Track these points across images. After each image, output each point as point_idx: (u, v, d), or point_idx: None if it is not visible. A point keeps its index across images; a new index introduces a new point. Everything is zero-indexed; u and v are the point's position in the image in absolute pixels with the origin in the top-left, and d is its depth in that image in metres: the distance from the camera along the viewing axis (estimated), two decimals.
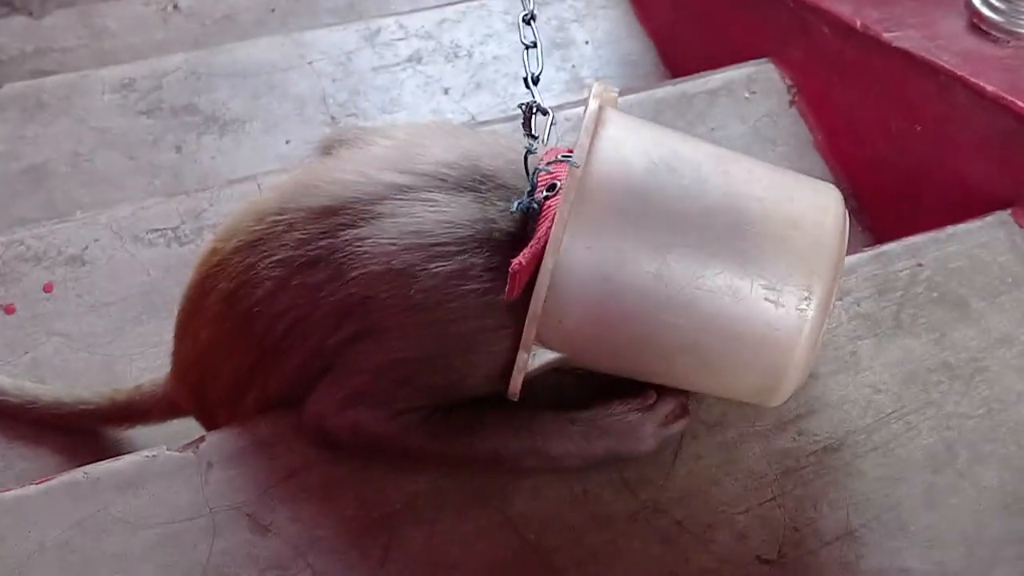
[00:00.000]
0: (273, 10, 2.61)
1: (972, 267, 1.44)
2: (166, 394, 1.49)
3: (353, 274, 1.19)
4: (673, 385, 1.24)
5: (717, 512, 1.26)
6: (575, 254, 1.11)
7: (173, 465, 1.26)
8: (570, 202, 1.10)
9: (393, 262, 1.18)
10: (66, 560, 1.18)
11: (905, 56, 1.60)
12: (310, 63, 2.26)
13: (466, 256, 1.17)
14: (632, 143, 1.16)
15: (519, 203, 1.17)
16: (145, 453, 1.27)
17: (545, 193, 1.16)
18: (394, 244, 1.18)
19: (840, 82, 1.81)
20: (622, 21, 2.42)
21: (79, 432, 1.63)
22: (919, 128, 1.63)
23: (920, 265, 1.44)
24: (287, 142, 2.15)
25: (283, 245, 1.23)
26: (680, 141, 1.20)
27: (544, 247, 1.11)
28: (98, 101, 2.15)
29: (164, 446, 1.27)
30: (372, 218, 1.21)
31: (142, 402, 1.55)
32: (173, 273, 1.67)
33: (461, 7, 2.40)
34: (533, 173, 1.19)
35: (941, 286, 1.42)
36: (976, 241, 1.46)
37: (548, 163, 1.19)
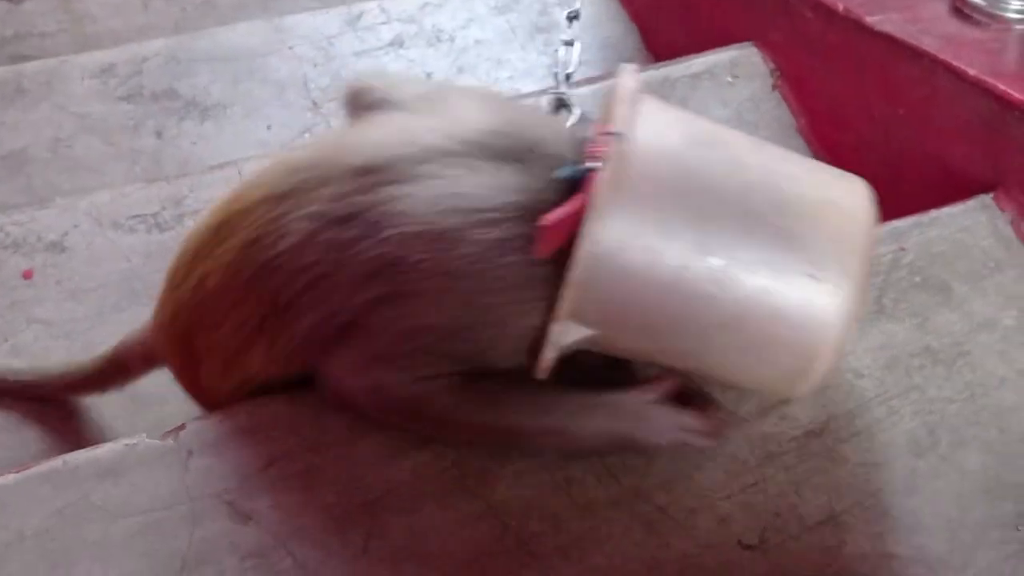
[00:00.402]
0: None
1: (954, 251, 1.44)
2: (144, 343, 1.46)
3: (387, 233, 1.16)
4: (704, 372, 1.23)
5: (699, 497, 1.25)
6: (615, 224, 1.09)
7: (153, 453, 1.24)
8: (612, 168, 1.09)
9: (432, 225, 1.15)
10: (46, 548, 1.17)
11: (888, 40, 1.59)
12: (291, 48, 2.25)
13: (509, 224, 1.14)
14: (670, 118, 1.16)
15: (565, 171, 1.15)
16: (125, 441, 1.25)
17: (590, 164, 1.14)
18: (434, 207, 1.16)
19: (823, 66, 1.81)
20: (604, 4, 2.40)
21: (60, 408, 1.63)
22: (902, 112, 1.62)
23: (903, 249, 1.43)
24: (268, 127, 2.13)
25: (315, 199, 1.20)
26: (711, 122, 1.20)
27: (582, 208, 1.09)
28: (78, 86, 2.13)
29: (144, 434, 1.26)
30: (413, 179, 1.18)
31: (119, 357, 1.52)
32: (154, 260, 1.66)
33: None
34: (579, 143, 1.18)
35: (923, 270, 1.42)
36: (958, 225, 1.46)
37: (592, 136, 1.17)
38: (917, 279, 1.41)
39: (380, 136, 1.24)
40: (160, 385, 1.47)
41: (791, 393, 1.21)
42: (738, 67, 1.97)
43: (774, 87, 1.94)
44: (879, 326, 1.38)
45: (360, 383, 1.22)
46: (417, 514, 1.22)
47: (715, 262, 1.10)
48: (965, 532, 1.25)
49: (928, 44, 1.53)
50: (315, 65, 2.23)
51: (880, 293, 1.40)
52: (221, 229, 1.27)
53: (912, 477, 1.29)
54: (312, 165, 1.23)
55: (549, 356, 1.15)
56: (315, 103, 2.16)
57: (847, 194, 1.17)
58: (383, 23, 2.31)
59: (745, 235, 1.11)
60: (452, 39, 2.29)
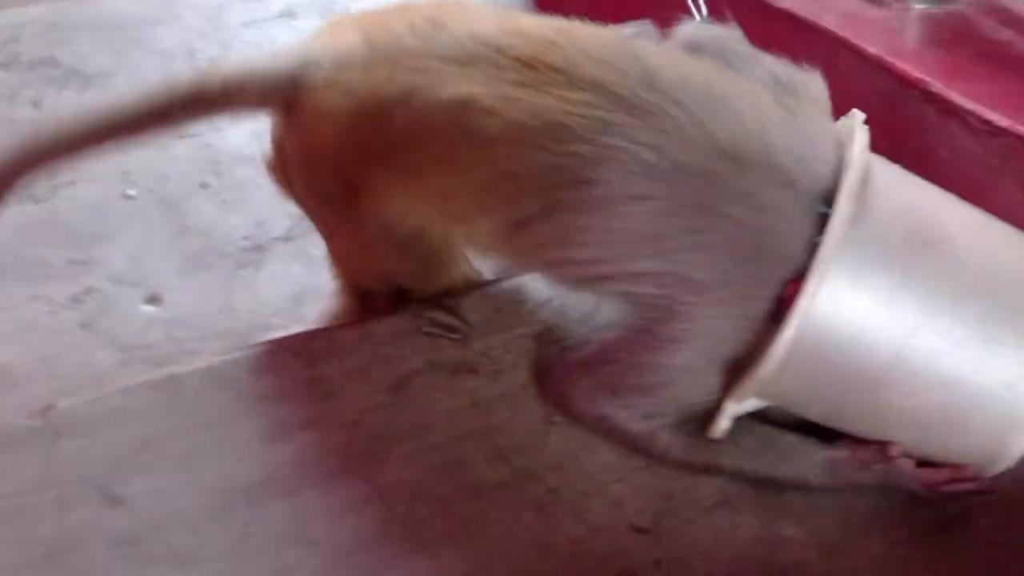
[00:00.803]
0: None
1: None
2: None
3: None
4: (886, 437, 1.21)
5: (591, 480, 1.23)
6: (823, 318, 1.08)
7: (20, 434, 1.18)
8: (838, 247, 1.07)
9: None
10: None
11: (790, 18, 1.58)
12: (179, 17, 2.17)
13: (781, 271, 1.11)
14: (895, 201, 1.13)
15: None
16: None
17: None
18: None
19: None
20: None
21: None
22: None
23: None
24: None
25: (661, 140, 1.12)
26: (934, 203, 1.17)
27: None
28: None
29: (10, 414, 1.20)
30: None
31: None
32: (24, 234, 1.59)
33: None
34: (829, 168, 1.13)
35: None
36: None
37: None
38: None
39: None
40: (28, 363, 1.40)
41: (989, 470, 1.18)
42: None
43: None
44: None
45: (587, 409, 1.23)
46: (299, 498, 1.17)
47: (916, 367, 1.10)
48: (857, 516, 1.23)
49: (829, 22, 1.52)
50: (203, 35, 2.16)
51: None
52: (534, 63, 1.16)
53: None
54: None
55: (723, 426, 1.17)
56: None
57: None
58: None
59: (953, 345, 1.10)
60: (346, 9, 2.22)
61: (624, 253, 1.14)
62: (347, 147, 1.22)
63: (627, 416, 1.21)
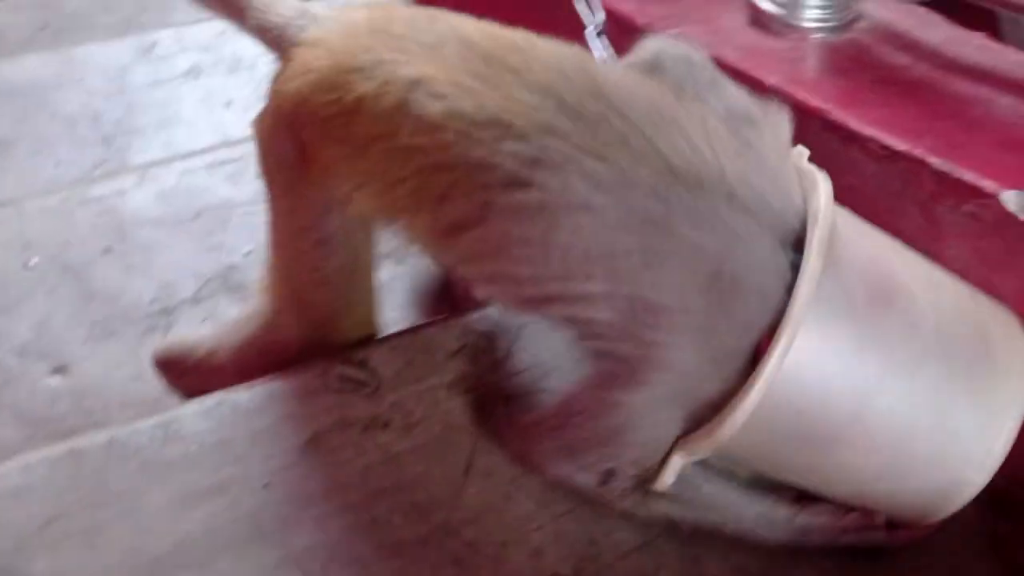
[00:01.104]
0: (44, 28, 2.46)
1: None
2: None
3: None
4: (826, 492, 1.20)
5: (511, 529, 1.20)
6: (789, 379, 1.06)
7: None
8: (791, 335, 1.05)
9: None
10: None
11: None
12: (82, 80, 2.15)
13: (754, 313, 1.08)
14: (859, 255, 1.12)
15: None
16: None
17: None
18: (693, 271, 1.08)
19: None
20: None
21: None
22: None
23: None
24: (56, 164, 2.01)
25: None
26: (892, 257, 1.16)
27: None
28: None
29: None
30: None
31: None
32: None
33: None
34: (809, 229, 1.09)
35: None
36: None
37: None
38: None
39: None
40: None
41: (926, 518, 1.18)
42: None
43: None
44: None
45: (556, 473, 1.20)
46: (211, 568, 1.14)
47: (871, 427, 1.09)
48: (781, 549, 1.22)
49: (728, 55, 1.51)
50: (107, 97, 2.13)
51: None
52: (488, 65, 1.14)
53: None
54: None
55: (669, 481, 1.14)
56: (107, 137, 2.06)
57: (1007, 327, 1.17)
58: (178, 52, 2.23)
59: (909, 408, 1.10)
60: (253, 66, 2.20)
61: (569, 271, 1.09)
62: (306, 107, 1.22)
63: (585, 479, 1.18)
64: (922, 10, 1.60)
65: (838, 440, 1.10)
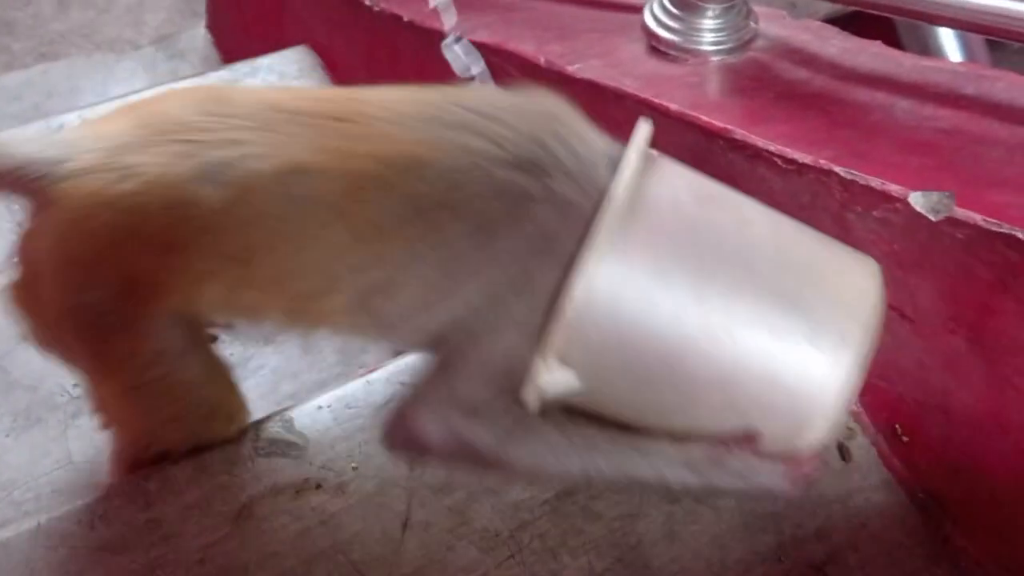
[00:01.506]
0: None
1: None
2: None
3: None
4: (692, 431, 1.11)
5: None
6: (612, 267, 1.03)
7: None
8: (618, 211, 1.04)
9: None
10: None
11: (591, 86, 1.58)
12: None
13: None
14: (679, 171, 1.12)
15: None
16: None
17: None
18: None
19: None
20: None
21: None
22: None
23: None
24: None
25: None
26: (724, 185, 1.15)
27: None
28: None
29: None
30: None
31: None
32: None
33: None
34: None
35: None
36: None
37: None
38: None
39: None
40: None
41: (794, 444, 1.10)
42: None
43: None
44: None
45: (432, 434, 1.08)
46: None
47: (712, 317, 1.04)
48: (729, 572, 1.21)
49: (629, 85, 1.52)
50: None
51: None
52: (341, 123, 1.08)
53: (669, 524, 1.24)
54: None
55: (532, 397, 1.06)
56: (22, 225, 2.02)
57: (856, 266, 1.12)
58: None
59: (745, 293, 1.05)
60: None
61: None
62: (130, 240, 1.06)
63: (464, 424, 1.08)
64: (816, 24, 1.62)
65: (675, 362, 1.05)
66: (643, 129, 1.13)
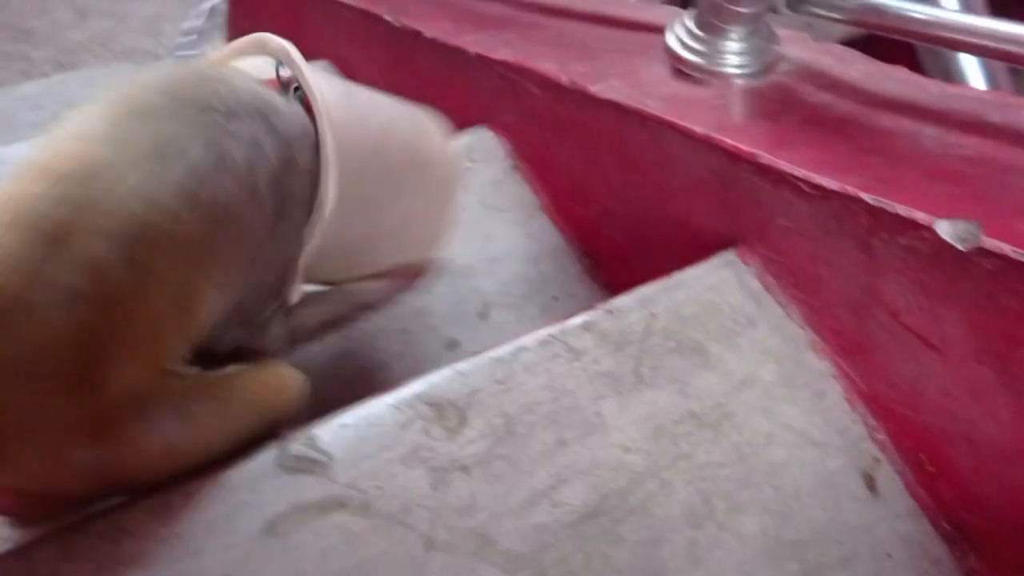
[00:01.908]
0: None
1: (704, 311, 1.42)
2: None
3: None
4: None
5: None
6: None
7: None
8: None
9: None
10: None
11: (614, 107, 1.58)
12: None
13: None
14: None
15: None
16: None
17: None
18: None
19: (556, 141, 1.79)
20: None
21: None
22: (638, 178, 1.61)
23: (653, 315, 1.40)
24: None
25: None
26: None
27: None
28: None
29: None
30: None
31: None
32: None
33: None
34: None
35: (676, 334, 1.39)
36: (705, 284, 1.44)
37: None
38: (671, 344, 1.38)
39: None
40: None
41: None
42: (475, 151, 1.94)
43: (514, 168, 1.92)
44: (640, 396, 1.34)
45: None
46: None
47: (393, 208, 1.38)
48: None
49: (653, 107, 1.52)
50: None
51: (637, 363, 1.36)
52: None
53: (693, 549, 1.24)
54: None
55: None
56: None
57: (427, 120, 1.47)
58: None
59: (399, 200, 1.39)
60: None
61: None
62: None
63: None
64: (840, 48, 1.63)
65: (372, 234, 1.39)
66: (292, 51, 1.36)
